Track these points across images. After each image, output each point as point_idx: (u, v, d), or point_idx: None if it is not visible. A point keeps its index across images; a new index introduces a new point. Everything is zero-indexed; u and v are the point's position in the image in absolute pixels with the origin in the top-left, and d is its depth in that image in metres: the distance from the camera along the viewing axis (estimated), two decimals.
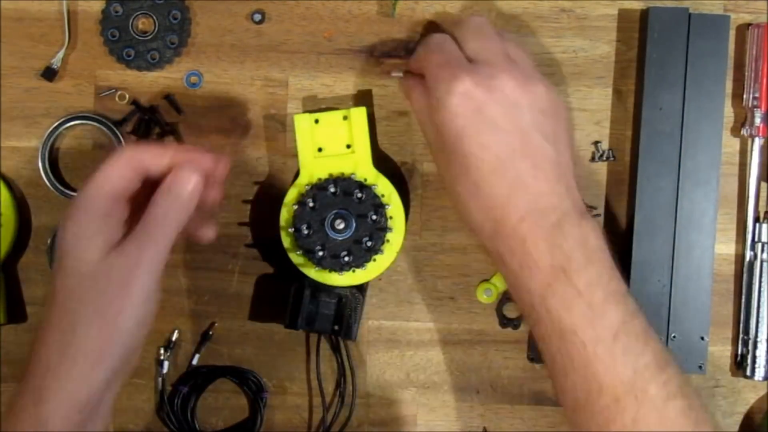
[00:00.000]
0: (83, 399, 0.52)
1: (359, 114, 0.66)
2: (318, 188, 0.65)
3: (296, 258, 0.65)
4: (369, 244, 0.64)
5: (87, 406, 0.52)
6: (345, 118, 0.66)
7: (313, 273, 0.65)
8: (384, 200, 0.65)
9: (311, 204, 0.64)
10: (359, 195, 0.64)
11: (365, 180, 0.65)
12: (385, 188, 0.66)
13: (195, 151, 0.58)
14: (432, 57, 0.59)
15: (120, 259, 0.52)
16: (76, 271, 0.52)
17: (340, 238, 0.64)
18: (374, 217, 0.64)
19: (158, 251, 0.53)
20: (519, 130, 0.56)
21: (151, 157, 0.56)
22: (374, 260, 0.65)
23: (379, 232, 0.65)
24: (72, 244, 0.53)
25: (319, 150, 0.66)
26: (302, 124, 0.66)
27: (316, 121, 0.66)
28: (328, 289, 0.66)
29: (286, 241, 0.66)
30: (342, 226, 0.64)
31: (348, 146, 0.66)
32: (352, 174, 0.65)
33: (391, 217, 0.65)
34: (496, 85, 0.56)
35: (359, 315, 0.67)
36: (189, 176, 0.54)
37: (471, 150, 0.55)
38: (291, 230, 0.65)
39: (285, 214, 0.66)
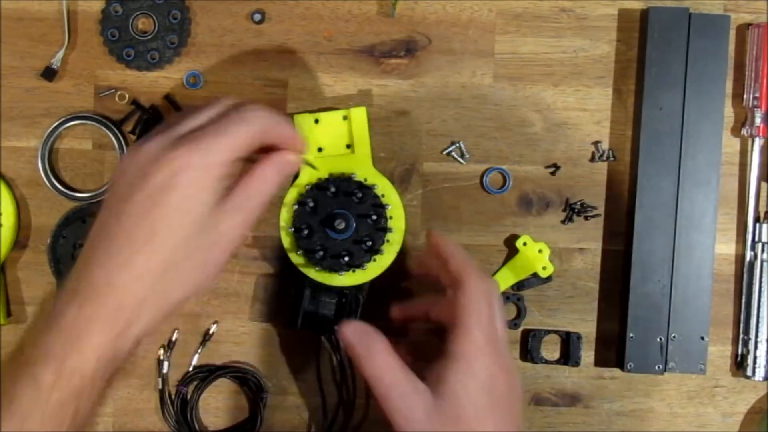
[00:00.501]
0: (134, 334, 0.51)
1: (359, 114, 0.66)
2: (317, 188, 0.65)
3: (296, 258, 0.65)
4: (369, 244, 0.64)
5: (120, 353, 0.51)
6: (345, 118, 0.66)
7: (313, 273, 0.65)
8: (384, 200, 0.65)
9: (311, 204, 0.64)
10: (359, 195, 0.64)
11: (365, 180, 0.65)
12: (384, 188, 0.65)
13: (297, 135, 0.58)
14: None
15: (223, 216, 0.53)
16: (184, 215, 0.52)
17: (340, 239, 0.64)
18: (374, 217, 0.64)
19: (252, 214, 0.54)
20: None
21: (276, 133, 0.56)
22: (374, 260, 0.65)
23: (379, 232, 0.64)
24: (186, 193, 0.52)
25: (319, 150, 0.66)
26: (302, 124, 0.66)
27: (316, 121, 0.66)
28: (328, 288, 0.66)
29: (286, 241, 0.65)
30: (342, 226, 0.64)
31: (348, 146, 0.66)
32: (352, 174, 0.65)
33: (390, 217, 0.65)
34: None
35: (359, 315, 0.66)
36: (294, 161, 0.56)
37: None
38: (291, 230, 0.65)
39: (285, 214, 0.65)
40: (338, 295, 0.66)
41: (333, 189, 0.64)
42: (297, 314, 0.66)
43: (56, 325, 0.50)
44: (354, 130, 0.66)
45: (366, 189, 0.64)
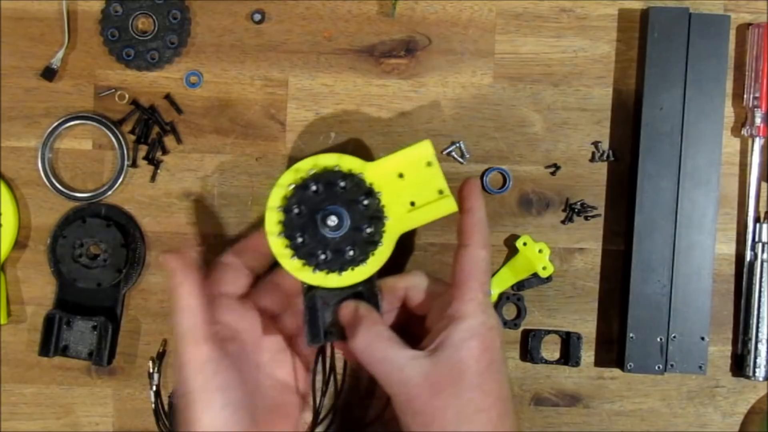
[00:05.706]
0: None
1: (448, 203, 0.61)
2: (301, 188, 0.60)
3: (292, 266, 0.60)
4: (369, 231, 0.60)
5: None
6: (440, 192, 0.61)
7: (318, 278, 0.60)
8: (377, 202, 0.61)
9: (296, 210, 0.59)
10: (342, 184, 0.60)
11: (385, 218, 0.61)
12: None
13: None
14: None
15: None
16: None
17: (338, 235, 0.60)
18: (365, 202, 0.60)
19: (193, 353, 0.56)
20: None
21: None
22: (373, 254, 0.60)
23: (374, 219, 0.60)
24: None
25: (400, 176, 0.61)
26: (424, 150, 0.61)
27: (429, 164, 0.62)
28: (341, 290, 0.61)
29: (277, 251, 0.60)
30: (335, 222, 0.59)
31: (412, 203, 0.61)
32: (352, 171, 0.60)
33: (383, 205, 0.61)
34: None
35: (381, 307, 0.60)
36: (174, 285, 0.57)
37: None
38: (282, 238, 0.60)
39: (271, 218, 0.60)
40: (353, 293, 0.61)
41: (314, 187, 0.59)
42: (317, 327, 0.60)
43: None
44: (435, 207, 0.61)
45: (350, 177, 0.60)
